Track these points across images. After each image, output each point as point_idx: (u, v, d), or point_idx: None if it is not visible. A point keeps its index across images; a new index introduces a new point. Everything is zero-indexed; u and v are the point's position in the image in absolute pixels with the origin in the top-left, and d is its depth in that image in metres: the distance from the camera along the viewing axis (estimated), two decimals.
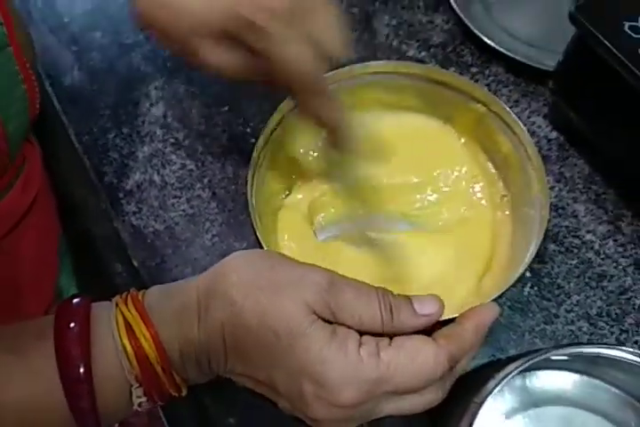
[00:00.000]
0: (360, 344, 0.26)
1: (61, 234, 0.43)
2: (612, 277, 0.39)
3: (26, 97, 0.33)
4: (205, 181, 0.42)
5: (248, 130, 0.44)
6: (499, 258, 0.37)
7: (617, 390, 0.35)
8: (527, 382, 0.34)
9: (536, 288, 0.39)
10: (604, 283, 0.39)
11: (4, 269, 0.37)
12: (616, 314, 0.38)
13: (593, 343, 0.32)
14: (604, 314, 0.38)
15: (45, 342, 0.25)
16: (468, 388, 0.30)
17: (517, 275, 0.33)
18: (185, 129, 0.44)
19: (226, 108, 0.44)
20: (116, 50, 0.47)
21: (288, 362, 0.25)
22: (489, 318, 0.29)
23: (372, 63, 0.39)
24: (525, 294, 0.39)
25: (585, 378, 0.35)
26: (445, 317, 0.29)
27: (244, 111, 0.44)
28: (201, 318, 0.26)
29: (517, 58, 0.44)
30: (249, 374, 0.26)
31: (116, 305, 0.27)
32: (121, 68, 0.46)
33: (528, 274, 0.39)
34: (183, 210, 0.41)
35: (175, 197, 0.41)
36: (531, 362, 0.29)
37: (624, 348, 0.31)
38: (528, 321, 0.38)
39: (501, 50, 0.44)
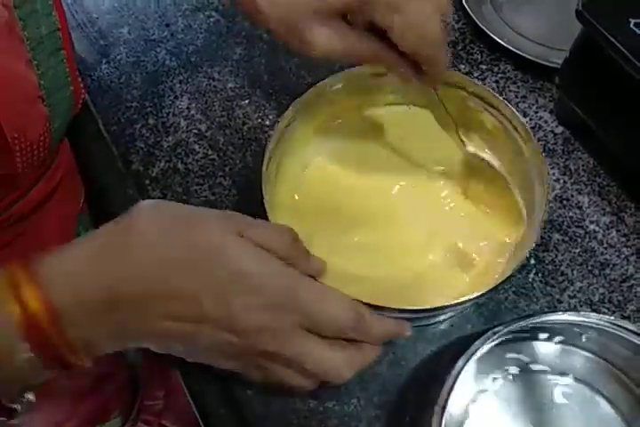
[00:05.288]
0: (279, 258, 0.28)
1: (83, 216, 0.45)
2: (614, 265, 0.41)
3: (72, 97, 0.35)
4: (226, 169, 0.44)
5: (267, 122, 0.46)
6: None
7: (590, 355, 0.37)
8: (501, 353, 0.37)
9: (540, 275, 0.40)
10: (607, 271, 0.41)
11: (29, 246, 0.39)
12: (618, 301, 0.40)
13: (557, 310, 0.34)
14: (606, 301, 0.40)
15: None
16: (441, 367, 0.33)
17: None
18: (207, 121, 0.46)
19: (246, 102, 0.47)
20: (142, 45, 0.49)
21: (221, 280, 0.26)
22: (400, 330, 0.32)
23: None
24: (530, 280, 0.40)
25: (557, 345, 0.37)
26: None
27: (262, 105, 0.46)
28: (111, 266, 0.26)
29: (525, 55, 0.46)
30: (170, 310, 0.26)
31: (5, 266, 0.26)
32: (147, 63, 0.48)
33: (532, 261, 0.41)
34: (205, 196, 0.43)
35: (198, 184, 0.43)
36: (492, 338, 0.32)
37: (591, 314, 0.33)
38: (532, 306, 0.39)
39: (510, 48, 0.46)
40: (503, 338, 0.33)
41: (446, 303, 0.32)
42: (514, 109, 0.37)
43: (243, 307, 0.26)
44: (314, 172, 0.41)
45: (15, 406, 0.28)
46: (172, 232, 0.27)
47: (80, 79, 0.36)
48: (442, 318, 0.38)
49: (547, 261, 0.41)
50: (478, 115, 0.40)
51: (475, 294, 0.32)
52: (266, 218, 0.34)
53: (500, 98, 0.38)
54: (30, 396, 0.29)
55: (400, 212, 0.40)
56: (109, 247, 0.27)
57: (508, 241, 0.38)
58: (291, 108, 0.37)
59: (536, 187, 0.37)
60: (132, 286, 0.26)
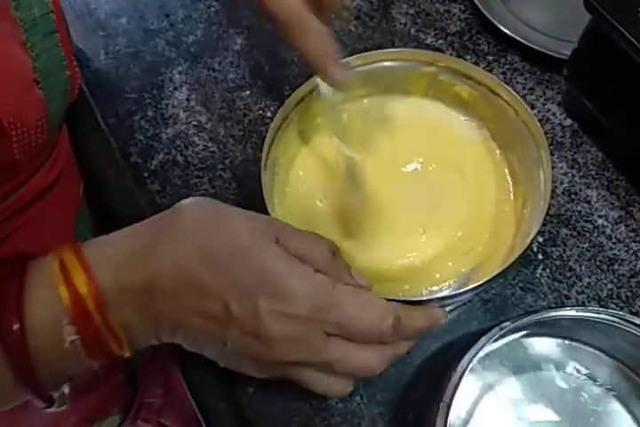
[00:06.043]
0: (316, 271, 0.28)
1: (82, 210, 0.44)
2: (622, 260, 0.40)
3: (68, 82, 0.34)
4: (227, 162, 0.43)
5: (268, 114, 0.45)
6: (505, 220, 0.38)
7: (597, 351, 0.36)
8: (508, 349, 0.36)
9: (548, 270, 0.40)
10: (615, 266, 0.40)
11: (28, 240, 0.38)
12: (626, 296, 0.39)
13: (564, 306, 0.34)
14: (614, 296, 0.39)
15: None
16: (446, 365, 0.32)
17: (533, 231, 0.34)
18: (207, 112, 0.45)
19: (247, 93, 0.46)
20: (141, 35, 0.48)
21: (246, 279, 0.26)
22: (435, 320, 0.31)
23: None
24: (537, 275, 0.40)
25: (565, 342, 0.36)
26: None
27: (263, 96, 0.46)
28: (150, 257, 0.26)
29: (533, 46, 0.45)
30: (200, 306, 0.26)
31: (56, 251, 0.27)
32: (146, 53, 0.47)
33: (540, 256, 0.40)
34: (205, 189, 0.42)
35: (198, 177, 0.42)
36: (498, 334, 0.31)
37: (599, 309, 0.33)
38: (539, 302, 0.39)
39: (517, 38, 0.45)
40: (510, 334, 0.32)
41: (446, 294, 0.31)
42: (485, 72, 0.37)
43: (268, 312, 0.26)
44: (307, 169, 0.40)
45: (54, 394, 0.29)
46: (210, 228, 0.27)
47: (77, 68, 0.35)
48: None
49: (554, 257, 0.40)
50: (451, 87, 0.39)
51: (473, 285, 0.31)
52: (265, 212, 0.33)
53: (478, 68, 0.37)
54: (66, 389, 0.30)
55: (396, 201, 0.39)
56: (148, 239, 0.27)
57: (509, 230, 0.38)
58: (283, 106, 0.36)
59: (532, 151, 0.36)
60: (167, 278, 0.26)
